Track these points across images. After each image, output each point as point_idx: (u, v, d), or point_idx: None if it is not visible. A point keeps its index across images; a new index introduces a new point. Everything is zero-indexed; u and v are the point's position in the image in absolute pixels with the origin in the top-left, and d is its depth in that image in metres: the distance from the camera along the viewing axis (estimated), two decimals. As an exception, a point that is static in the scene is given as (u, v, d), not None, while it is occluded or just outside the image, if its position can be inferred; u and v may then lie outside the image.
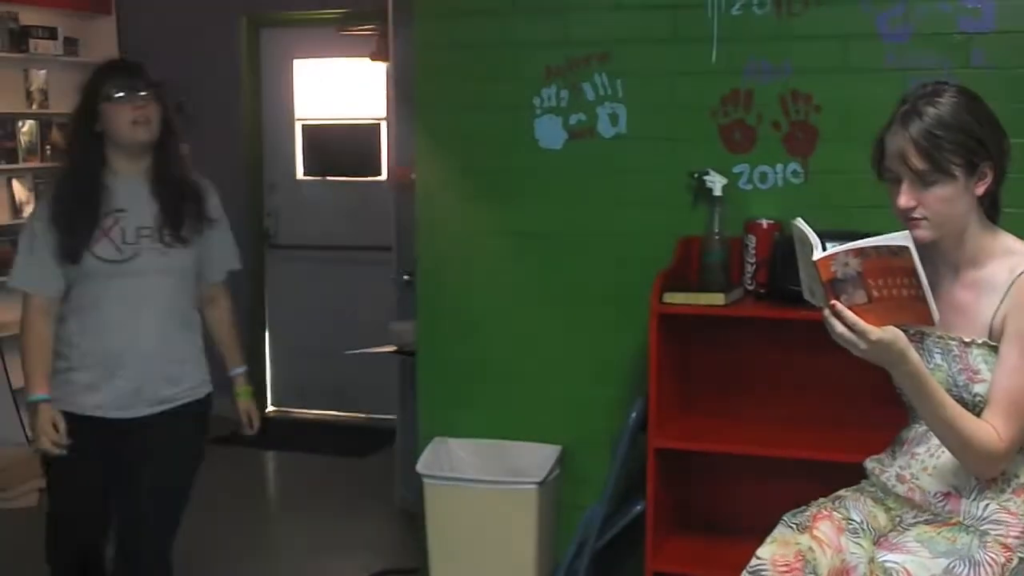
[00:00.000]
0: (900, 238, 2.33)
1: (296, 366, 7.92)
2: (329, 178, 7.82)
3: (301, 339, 7.86)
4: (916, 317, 2.41)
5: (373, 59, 6.91)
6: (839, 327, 2.39)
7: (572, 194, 4.49)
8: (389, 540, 5.57)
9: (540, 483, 4.34)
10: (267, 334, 7.98)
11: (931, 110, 2.54)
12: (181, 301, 3.82)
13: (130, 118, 3.55)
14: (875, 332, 2.36)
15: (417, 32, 4.67)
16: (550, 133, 4.48)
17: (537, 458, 4.47)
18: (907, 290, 2.36)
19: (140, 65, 3.75)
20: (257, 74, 7.79)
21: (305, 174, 7.87)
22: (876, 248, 2.34)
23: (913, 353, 2.45)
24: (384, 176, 7.51)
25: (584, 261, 4.49)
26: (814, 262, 2.37)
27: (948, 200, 2.54)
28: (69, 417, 3.58)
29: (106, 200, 3.57)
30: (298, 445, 7.24)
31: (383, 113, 7.21)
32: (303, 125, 7.83)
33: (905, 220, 2.57)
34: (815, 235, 2.41)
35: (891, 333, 2.39)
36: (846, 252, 2.35)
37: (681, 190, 4.25)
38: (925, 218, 2.56)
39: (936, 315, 2.40)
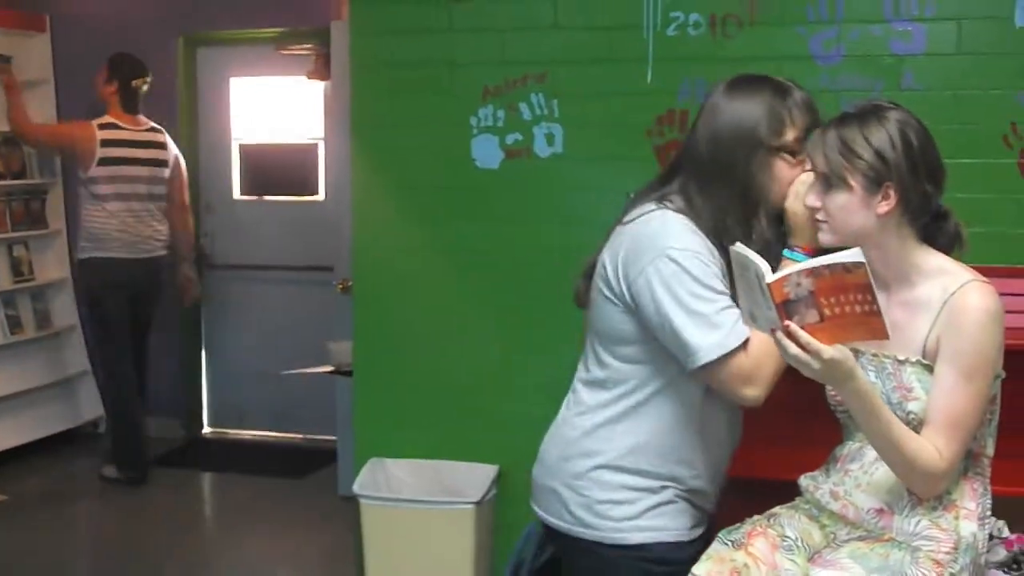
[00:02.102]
0: (853, 255, 2.34)
1: (234, 387, 7.86)
2: (266, 198, 7.79)
3: (238, 360, 7.80)
4: (869, 332, 2.42)
5: (310, 78, 6.91)
6: (792, 348, 2.39)
7: (509, 213, 4.50)
8: (327, 561, 5.54)
9: (477, 503, 4.33)
10: (204, 355, 7.92)
11: (853, 122, 2.59)
12: None
13: None
14: (828, 351, 2.37)
15: (352, 50, 4.66)
16: (487, 152, 4.49)
17: (474, 478, 4.46)
18: (860, 306, 2.36)
19: None
20: (193, 93, 7.74)
21: (242, 194, 7.82)
22: (829, 266, 2.34)
23: (860, 371, 2.47)
24: (322, 195, 7.49)
25: (522, 280, 4.49)
26: (766, 285, 2.37)
27: (844, 209, 2.60)
28: None
29: None
30: (236, 466, 7.19)
31: (321, 132, 7.22)
32: (240, 144, 7.78)
33: (813, 221, 2.67)
34: (759, 257, 2.42)
35: (841, 352, 2.40)
36: (799, 272, 2.35)
37: (618, 209, 4.21)
38: (826, 221, 2.62)
39: (888, 329, 2.42)
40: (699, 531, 2.88)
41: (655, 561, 2.83)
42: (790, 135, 2.74)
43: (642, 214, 2.85)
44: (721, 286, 2.71)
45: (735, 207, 2.75)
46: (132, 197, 6.67)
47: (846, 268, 2.34)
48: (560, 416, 3.03)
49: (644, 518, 2.83)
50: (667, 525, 2.84)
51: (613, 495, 2.84)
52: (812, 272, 2.35)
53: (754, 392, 2.68)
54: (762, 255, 2.45)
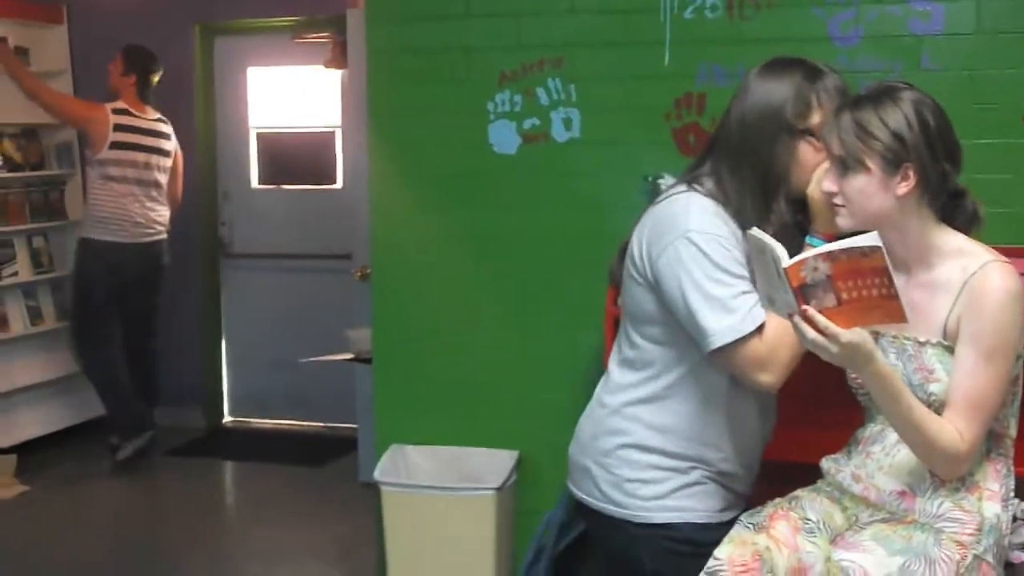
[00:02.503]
0: (870, 239, 2.34)
1: (253, 376, 7.88)
2: (284, 186, 7.80)
3: (258, 348, 7.82)
4: (887, 316, 2.42)
5: (327, 66, 6.91)
6: (810, 332, 2.39)
7: (527, 198, 4.49)
8: (348, 548, 5.55)
9: (498, 489, 4.33)
10: (223, 344, 7.94)
11: (867, 104, 2.58)
12: None
13: None
14: (845, 335, 2.37)
15: (368, 37, 4.65)
16: (504, 138, 4.48)
17: (494, 464, 4.46)
18: (877, 290, 2.36)
19: None
20: (211, 82, 7.75)
21: (260, 183, 7.84)
22: (846, 250, 2.34)
23: (879, 354, 2.47)
24: (340, 183, 7.49)
25: (539, 265, 4.48)
26: (784, 269, 2.37)
27: (863, 192, 2.59)
28: None
29: None
30: (256, 455, 7.21)
31: (338, 121, 7.22)
32: (258, 133, 7.79)
33: (830, 206, 2.66)
34: (776, 242, 2.41)
35: (859, 335, 2.40)
36: (815, 256, 2.35)
37: (635, 193, 4.24)
38: (844, 206, 2.61)
39: (907, 312, 2.41)
40: (731, 514, 2.88)
41: (681, 541, 2.85)
42: (816, 118, 2.73)
43: (670, 195, 2.86)
44: (740, 270, 2.71)
45: (757, 189, 2.75)
46: (138, 182, 6.81)
47: (863, 252, 2.33)
48: (595, 395, 3.05)
49: (671, 498, 2.85)
50: (694, 506, 2.86)
51: (641, 474, 2.86)
52: (829, 256, 2.34)
53: (768, 378, 2.69)
54: (778, 239, 2.44)
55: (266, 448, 7.37)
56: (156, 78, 6.91)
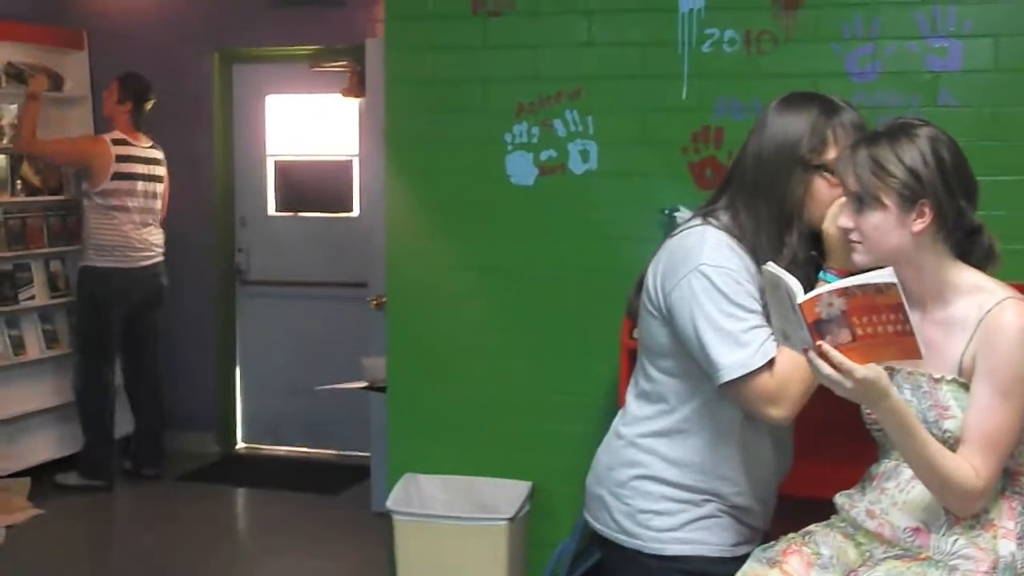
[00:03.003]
0: (885, 275, 2.33)
1: (268, 403, 7.88)
2: (301, 214, 7.82)
3: (272, 375, 7.82)
4: (902, 352, 2.41)
5: (345, 95, 6.94)
6: (825, 368, 2.39)
7: (543, 230, 4.50)
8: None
9: (511, 519, 4.32)
10: (238, 370, 7.94)
11: (883, 140, 2.58)
12: None
13: None
14: (860, 370, 2.37)
15: (387, 67, 4.68)
16: (521, 169, 4.49)
17: (507, 494, 4.46)
18: (892, 326, 2.36)
19: None
20: (229, 110, 7.78)
21: (277, 210, 7.86)
22: (861, 287, 2.34)
23: (894, 390, 2.46)
24: (356, 212, 7.51)
25: (555, 297, 4.49)
26: (798, 305, 2.37)
27: (879, 229, 2.58)
28: None
29: None
30: (270, 482, 7.20)
31: (356, 150, 7.24)
32: (275, 161, 7.82)
33: (846, 242, 2.65)
34: (791, 277, 2.41)
35: (874, 371, 2.39)
36: (830, 292, 2.35)
37: (652, 226, 4.25)
38: (860, 242, 2.61)
39: (923, 349, 2.41)
40: (745, 548, 2.86)
41: (694, 574, 2.84)
42: (832, 154, 2.72)
43: (685, 228, 2.86)
44: (753, 304, 2.70)
45: (771, 223, 2.75)
46: (138, 210, 6.88)
47: (878, 288, 2.33)
48: (612, 426, 3.05)
49: (684, 530, 2.84)
50: (708, 539, 2.84)
51: (655, 505, 2.85)
52: (844, 292, 2.34)
53: (779, 412, 2.68)
54: (792, 274, 2.44)
55: (279, 475, 7.36)
56: (149, 105, 6.98)
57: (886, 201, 2.56)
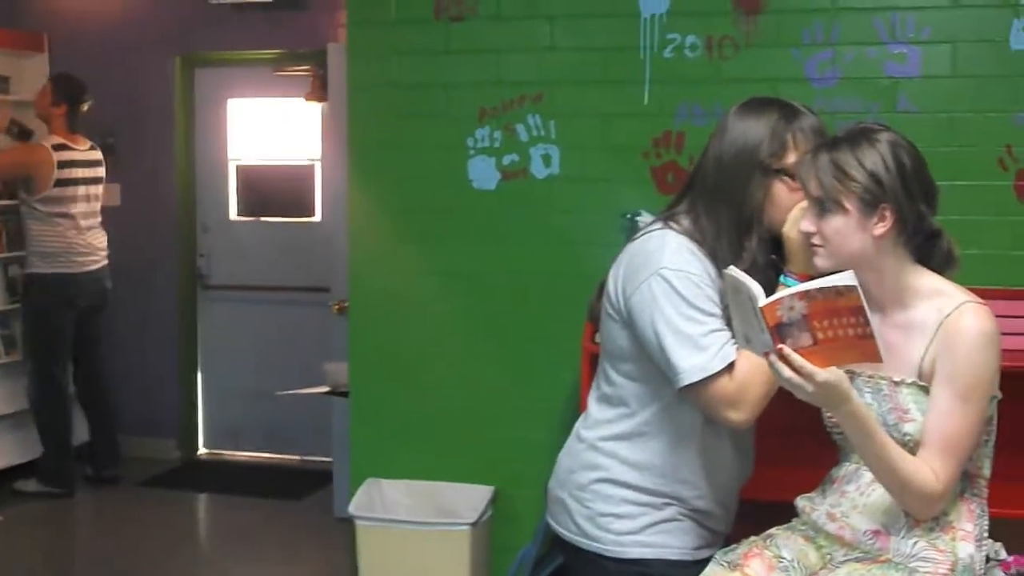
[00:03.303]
0: (846, 278, 2.34)
1: (229, 408, 7.84)
2: (263, 219, 7.78)
3: (234, 381, 7.79)
4: (862, 355, 2.42)
5: (307, 99, 6.92)
6: (786, 372, 2.40)
7: (506, 235, 4.50)
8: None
9: (473, 524, 4.32)
10: (200, 376, 7.90)
11: (844, 145, 2.60)
12: None
13: None
14: (821, 374, 2.38)
15: (350, 72, 4.67)
16: (483, 174, 4.49)
17: (470, 499, 4.46)
18: (853, 329, 2.37)
19: None
20: (191, 114, 7.74)
21: (239, 214, 7.82)
22: (821, 290, 2.35)
23: (855, 393, 2.48)
24: (318, 216, 7.49)
25: (518, 302, 4.49)
26: (759, 309, 2.38)
27: (840, 233, 2.60)
28: None
29: None
30: (232, 488, 7.16)
31: (318, 154, 7.23)
32: (237, 165, 7.78)
33: (808, 246, 2.66)
34: (752, 281, 2.42)
35: (835, 374, 2.40)
36: (791, 296, 2.36)
37: (614, 231, 4.26)
38: (822, 246, 2.62)
39: (883, 352, 2.43)
40: (707, 552, 2.87)
41: None
42: (791, 158, 2.74)
43: (646, 232, 2.87)
44: (712, 308, 2.72)
45: (731, 227, 2.76)
46: (80, 215, 6.80)
47: (838, 291, 2.34)
48: (574, 429, 3.05)
49: (645, 533, 2.84)
50: (668, 543, 2.85)
51: (615, 509, 2.86)
52: (804, 295, 2.35)
53: (738, 416, 2.70)
54: (753, 277, 2.45)
55: (241, 481, 7.32)
56: (86, 107, 6.86)
57: (847, 205, 2.58)
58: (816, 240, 2.64)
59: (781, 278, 2.74)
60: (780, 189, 2.75)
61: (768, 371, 2.47)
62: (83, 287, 6.83)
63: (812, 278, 2.50)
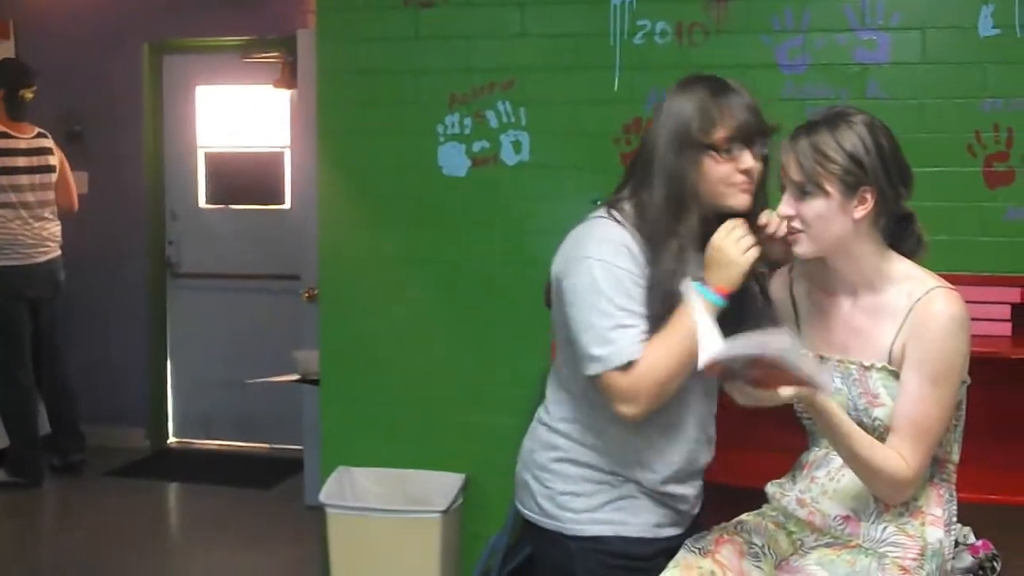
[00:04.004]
0: (776, 345, 2.35)
1: (199, 396, 7.82)
2: (232, 206, 7.75)
3: (204, 369, 7.76)
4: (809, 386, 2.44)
5: (276, 86, 6.89)
6: (747, 398, 2.43)
7: (476, 221, 4.49)
8: (294, 571, 5.51)
9: (444, 512, 4.32)
10: (169, 364, 7.87)
11: (822, 128, 2.60)
12: None
13: None
14: (784, 392, 2.39)
15: (319, 59, 4.65)
16: (453, 160, 4.48)
17: (441, 487, 4.45)
18: (793, 376, 2.39)
19: None
20: (159, 101, 7.70)
21: (207, 202, 7.79)
22: (755, 359, 2.37)
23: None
24: (288, 204, 7.46)
25: (488, 289, 4.49)
26: (702, 368, 2.40)
27: (821, 216, 2.60)
28: None
29: None
30: (202, 477, 7.14)
31: (287, 141, 7.20)
32: (206, 152, 7.75)
33: (788, 233, 2.65)
34: (707, 332, 2.43)
35: (796, 390, 2.42)
36: (729, 357, 2.38)
37: (583, 217, 4.25)
38: (803, 231, 2.62)
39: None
40: (669, 531, 2.88)
41: (613, 554, 2.84)
42: (719, 134, 2.72)
43: (586, 218, 2.88)
44: (626, 302, 2.71)
45: (666, 208, 2.75)
46: (24, 205, 6.70)
47: (771, 363, 2.36)
48: (537, 411, 3.04)
49: (602, 511, 2.85)
50: (626, 520, 2.85)
51: (574, 487, 2.87)
52: (748, 360, 2.38)
53: (629, 410, 2.70)
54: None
55: (211, 470, 7.30)
56: (30, 94, 6.76)
57: (828, 188, 2.58)
58: (796, 224, 2.63)
59: (694, 284, 2.70)
60: (709, 164, 2.74)
61: (667, 370, 2.60)
62: (34, 279, 6.76)
63: (732, 293, 2.59)
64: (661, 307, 2.68)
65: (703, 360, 2.38)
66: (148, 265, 7.69)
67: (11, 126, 6.71)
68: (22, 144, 6.73)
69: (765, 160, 2.75)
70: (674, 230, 2.73)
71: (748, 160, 2.70)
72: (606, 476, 2.85)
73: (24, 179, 6.70)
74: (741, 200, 2.73)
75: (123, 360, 7.62)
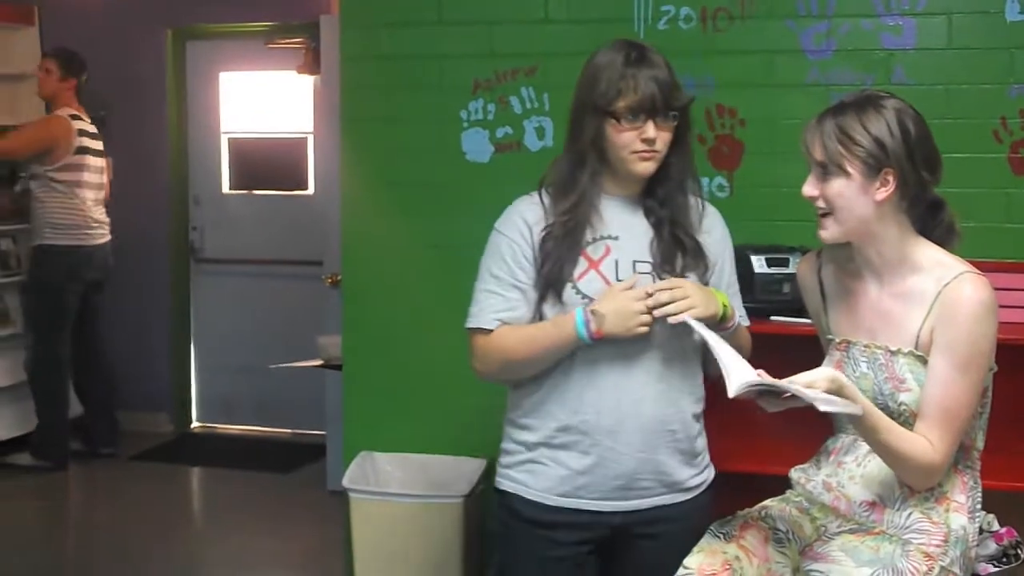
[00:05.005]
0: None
1: (222, 381, 7.84)
2: (255, 192, 7.77)
3: (227, 354, 7.78)
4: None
5: (300, 72, 6.90)
6: (771, 408, 2.46)
7: (499, 207, 4.42)
8: (316, 556, 5.53)
9: (466, 496, 4.32)
10: (192, 349, 7.90)
11: (850, 110, 2.60)
12: None
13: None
14: (818, 386, 2.40)
15: (342, 44, 4.64)
16: (477, 146, 4.48)
17: (463, 471, 4.45)
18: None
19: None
20: (183, 87, 7.72)
21: (231, 188, 7.81)
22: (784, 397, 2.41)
23: (848, 383, 2.48)
24: (311, 190, 7.47)
25: (511, 274, 4.48)
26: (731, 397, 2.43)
27: (843, 196, 2.60)
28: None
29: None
30: (225, 461, 7.18)
31: (310, 127, 7.21)
32: (229, 138, 7.77)
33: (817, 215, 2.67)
34: (735, 367, 2.47)
35: (827, 372, 2.43)
36: (756, 388, 2.42)
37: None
38: (828, 214, 2.62)
39: (880, 321, 2.58)
40: (575, 502, 2.88)
41: (512, 513, 2.95)
42: (621, 103, 2.78)
43: None
44: (500, 271, 2.93)
45: (568, 162, 2.89)
46: (90, 185, 6.83)
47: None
48: None
49: (515, 470, 2.96)
50: (529, 482, 2.92)
51: (506, 445, 3.01)
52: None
53: (478, 367, 3.00)
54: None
55: (234, 454, 7.33)
56: (85, 79, 6.91)
57: (850, 169, 2.58)
58: (820, 205, 2.64)
59: (578, 311, 2.80)
60: (612, 131, 2.80)
61: (515, 354, 2.85)
62: (92, 261, 6.85)
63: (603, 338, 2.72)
64: (553, 265, 2.83)
65: (733, 389, 2.40)
66: (172, 251, 7.72)
67: (80, 110, 6.84)
68: (89, 128, 6.85)
69: (684, 127, 2.84)
70: (572, 185, 2.86)
71: (651, 130, 2.76)
72: (526, 436, 2.94)
73: (91, 160, 6.82)
74: (642, 167, 2.82)
75: (147, 345, 7.65)
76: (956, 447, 2.58)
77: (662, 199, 2.87)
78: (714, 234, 2.95)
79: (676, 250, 2.85)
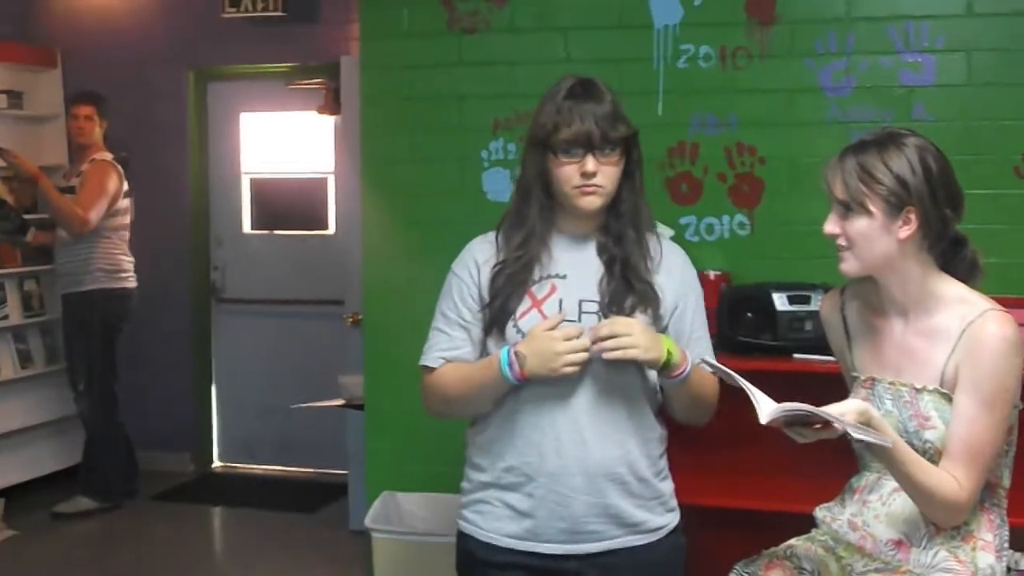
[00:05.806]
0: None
1: (243, 421, 7.85)
2: (276, 232, 7.79)
3: (248, 394, 7.79)
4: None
5: (320, 112, 6.93)
6: (801, 439, 2.45)
7: (520, 246, 4.49)
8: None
9: (489, 536, 4.31)
10: (214, 389, 7.91)
11: (872, 148, 2.59)
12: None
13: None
14: (848, 418, 2.39)
15: (363, 85, 4.67)
16: (498, 185, 4.50)
17: (486, 511, 4.45)
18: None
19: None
20: (204, 127, 7.76)
21: (252, 228, 7.83)
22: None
23: (877, 415, 2.47)
24: (332, 229, 7.49)
25: (532, 313, 4.48)
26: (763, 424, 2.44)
27: (865, 235, 2.59)
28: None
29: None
30: (246, 501, 7.16)
31: (331, 167, 7.23)
32: (250, 179, 7.80)
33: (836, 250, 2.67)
34: (761, 398, 2.47)
35: (856, 404, 2.42)
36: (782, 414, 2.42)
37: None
38: (848, 249, 2.62)
39: (904, 359, 2.57)
40: (530, 545, 2.81)
41: (467, 554, 2.93)
42: (562, 136, 2.75)
43: None
44: (449, 309, 2.94)
45: (518, 196, 2.87)
46: (126, 228, 6.85)
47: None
48: None
49: (468, 510, 2.93)
50: (480, 523, 2.89)
51: (463, 483, 2.98)
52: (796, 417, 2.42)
53: (424, 405, 2.98)
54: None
55: (256, 494, 7.32)
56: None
57: (872, 208, 2.57)
58: (842, 242, 2.63)
59: (503, 349, 2.77)
60: (552, 165, 2.78)
61: (453, 393, 2.83)
62: (131, 303, 6.88)
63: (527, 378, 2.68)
64: (498, 302, 2.81)
65: (765, 416, 2.42)
66: (193, 290, 7.74)
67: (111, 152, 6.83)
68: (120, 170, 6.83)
69: (634, 162, 2.79)
70: (520, 222, 2.84)
71: (590, 164, 2.72)
72: (478, 476, 2.91)
73: (127, 203, 6.84)
74: (586, 202, 2.77)
75: (168, 385, 7.66)
76: (982, 484, 2.57)
77: (616, 236, 2.82)
78: (674, 274, 2.86)
79: (626, 290, 2.77)
